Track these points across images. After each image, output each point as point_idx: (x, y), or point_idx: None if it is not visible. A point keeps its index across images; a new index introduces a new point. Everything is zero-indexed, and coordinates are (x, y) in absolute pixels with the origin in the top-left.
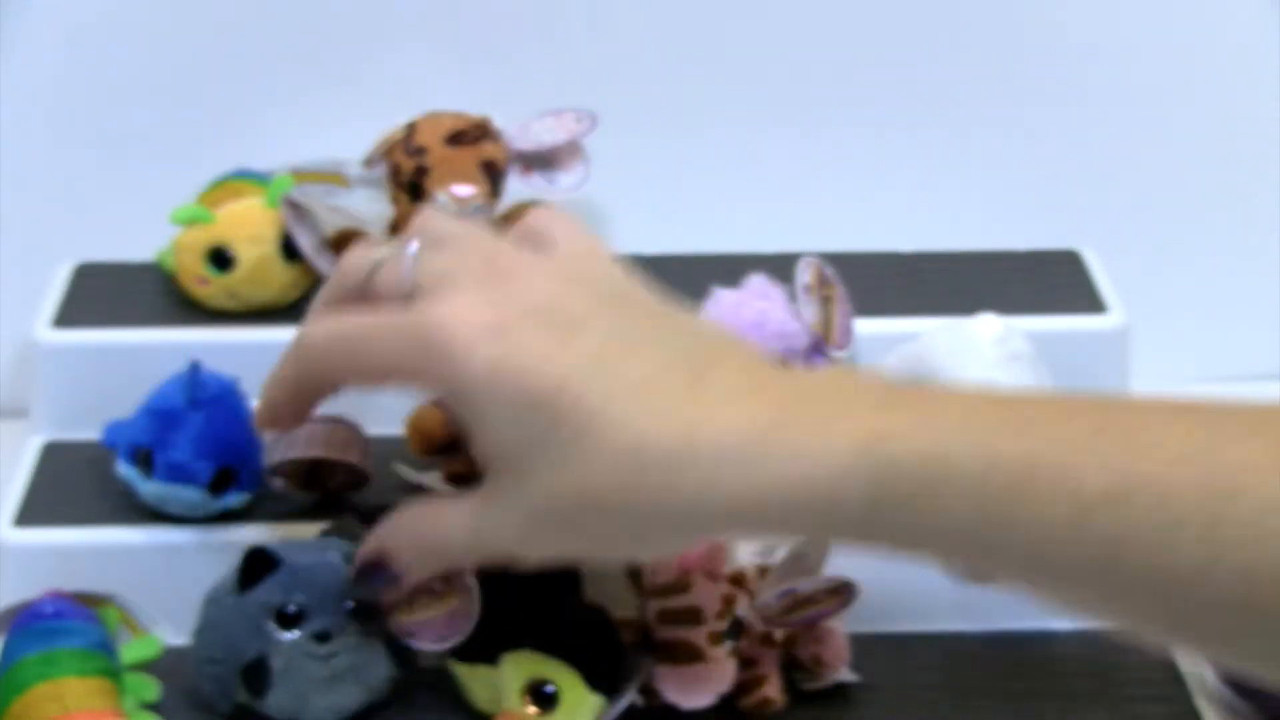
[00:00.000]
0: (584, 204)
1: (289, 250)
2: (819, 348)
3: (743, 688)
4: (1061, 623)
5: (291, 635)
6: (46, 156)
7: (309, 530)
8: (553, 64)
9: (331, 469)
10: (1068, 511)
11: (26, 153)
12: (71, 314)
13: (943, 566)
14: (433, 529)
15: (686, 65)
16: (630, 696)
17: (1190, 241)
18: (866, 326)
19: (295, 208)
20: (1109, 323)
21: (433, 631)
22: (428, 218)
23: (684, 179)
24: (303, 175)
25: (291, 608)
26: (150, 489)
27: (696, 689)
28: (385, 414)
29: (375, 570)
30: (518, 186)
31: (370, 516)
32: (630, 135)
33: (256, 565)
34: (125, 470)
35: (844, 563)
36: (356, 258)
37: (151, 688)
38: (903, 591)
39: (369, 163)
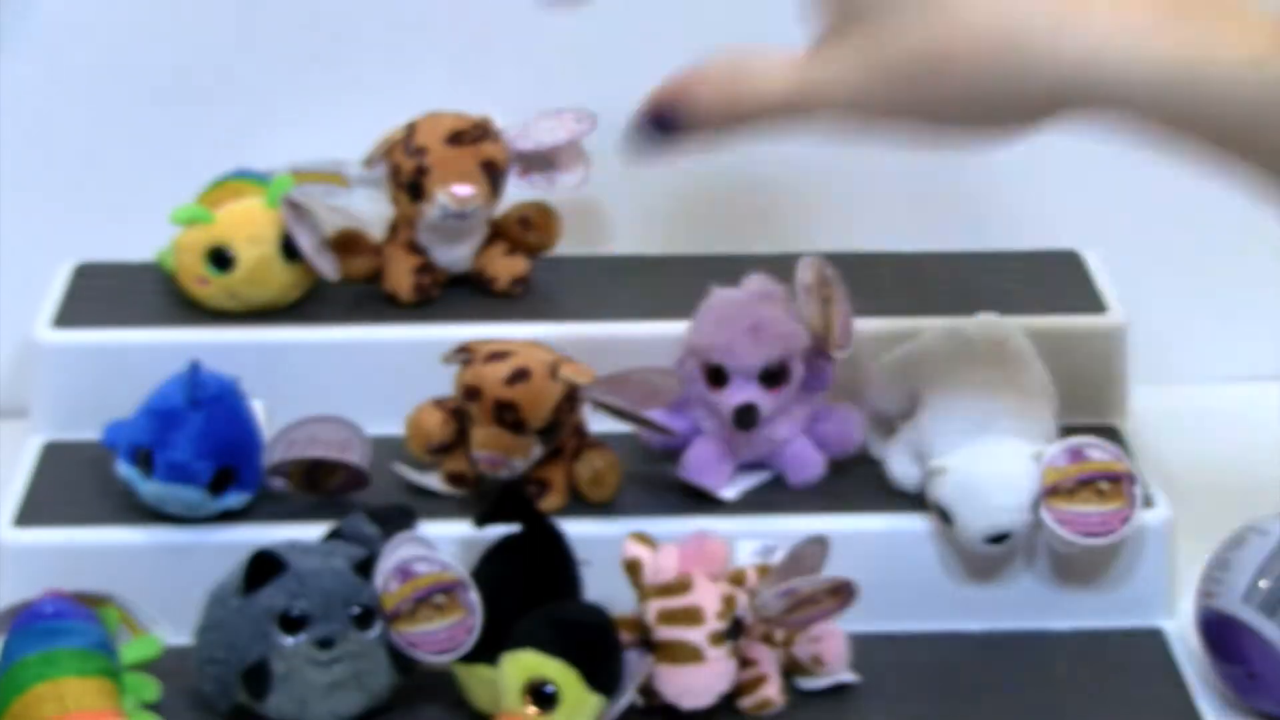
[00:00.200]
0: (584, 204)
1: (289, 250)
2: (819, 347)
3: (743, 688)
4: (1061, 622)
5: (294, 640)
6: (46, 156)
7: (309, 531)
8: (553, 64)
9: (331, 469)
10: None
11: (26, 153)
12: (71, 314)
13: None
14: (750, 73)
15: (686, 65)
16: (630, 696)
17: (1190, 241)
18: (866, 326)
19: (295, 208)
20: (1109, 323)
21: (434, 643)
22: None
23: (684, 179)
24: (303, 175)
25: (295, 612)
26: (150, 489)
27: (696, 689)
28: (385, 414)
29: (667, 112)
30: (518, 186)
31: (378, 515)
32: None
33: (262, 568)
34: (125, 470)
35: (844, 563)
36: None
37: (151, 688)
38: (903, 591)
39: (369, 163)
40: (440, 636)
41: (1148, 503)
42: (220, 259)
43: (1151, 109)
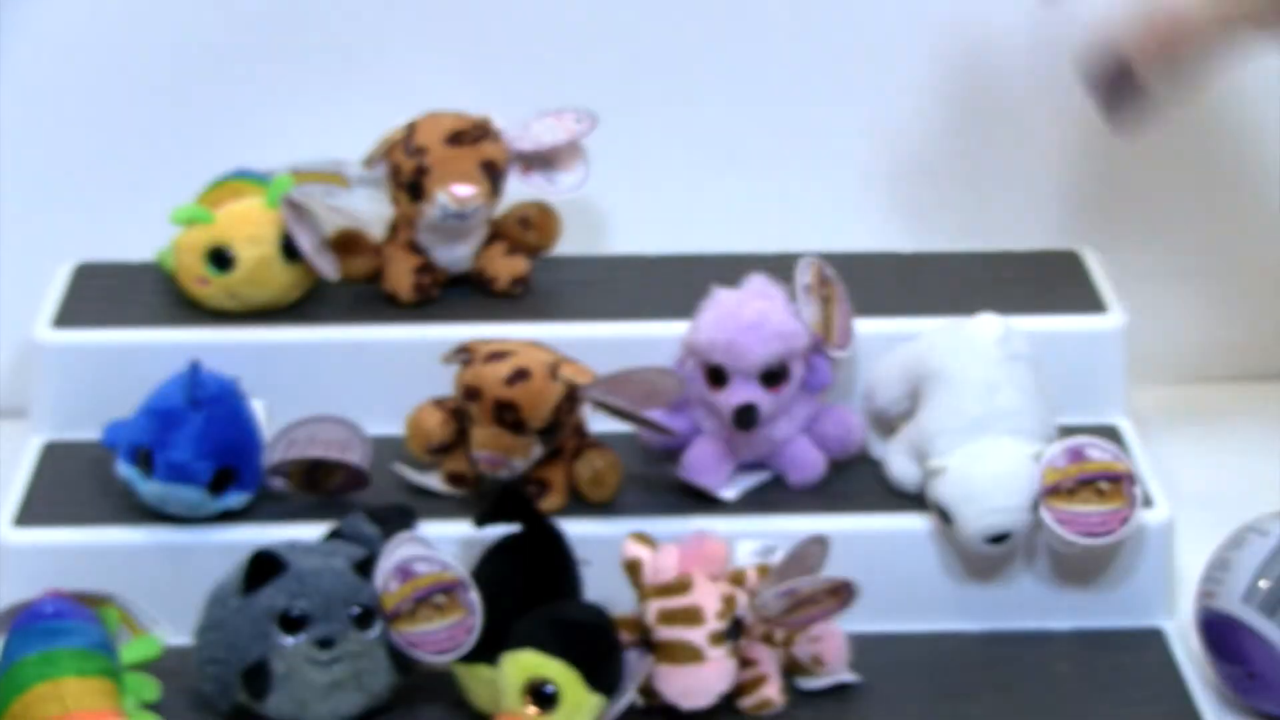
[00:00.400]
0: (584, 204)
1: (289, 250)
2: (819, 347)
3: (743, 688)
4: (1061, 622)
5: (294, 640)
6: (46, 156)
7: (309, 531)
8: (553, 64)
9: (331, 469)
10: None
11: (26, 153)
12: (71, 314)
13: None
14: (1166, 12)
15: (687, 66)
16: (630, 696)
17: (1190, 242)
18: (866, 326)
19: (295, 208)
20: (1109, 323)
21: (434, 643)
22: None
23: (684, 179)
24: (303, 175)
25: (295, 612)
26: (150, 489)
27: (696, 689)
28: (385, 414)
29: (1121, 80)
30: (518, 186)
31: (378, 515)
32: (630, 135)
33: (262, 568)
34: (125, 470)
35: (844, 563)
36: None
37: (151, 688)
38: (903, 591)
39: (369, 163)
40: (440, 636)
41: (1147, 503)
42: (220, 259)
43: None
